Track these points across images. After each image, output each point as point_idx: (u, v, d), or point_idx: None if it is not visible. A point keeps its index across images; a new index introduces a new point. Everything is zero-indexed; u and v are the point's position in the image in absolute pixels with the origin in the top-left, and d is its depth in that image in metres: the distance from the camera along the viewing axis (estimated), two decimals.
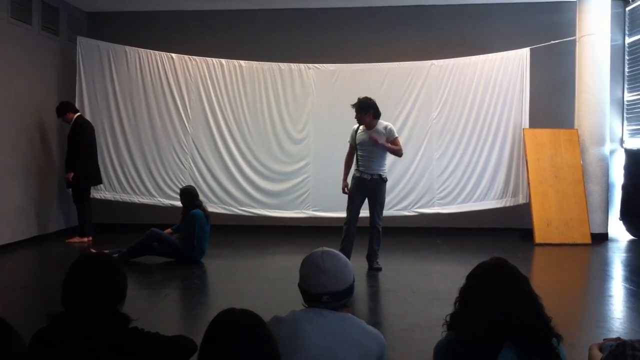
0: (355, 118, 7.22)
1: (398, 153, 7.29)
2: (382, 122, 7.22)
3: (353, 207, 7.29)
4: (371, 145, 7.07)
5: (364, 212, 7.38)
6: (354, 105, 7.19)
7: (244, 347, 1.87)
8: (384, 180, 7.20)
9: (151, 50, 9.94)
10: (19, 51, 8.88)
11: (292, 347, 2.34)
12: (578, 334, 4.73)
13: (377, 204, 7.21)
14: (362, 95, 9.56)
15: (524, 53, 9.62)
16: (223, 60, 9.92)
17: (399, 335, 4.63)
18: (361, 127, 7.23)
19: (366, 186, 7.16)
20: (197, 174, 9.89)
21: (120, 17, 10.72)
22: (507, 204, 9.68)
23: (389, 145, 7.08)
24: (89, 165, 9.12)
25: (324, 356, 2.36)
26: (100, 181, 9.48)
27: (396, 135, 7.24)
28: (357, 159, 7.25)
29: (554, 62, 9.97)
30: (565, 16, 9.97)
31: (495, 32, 10.22)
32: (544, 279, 7.20)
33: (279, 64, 9.88)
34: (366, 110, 7.12)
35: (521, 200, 9.61)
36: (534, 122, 9.64)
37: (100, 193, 9.74)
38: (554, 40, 9.63)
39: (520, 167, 9.63)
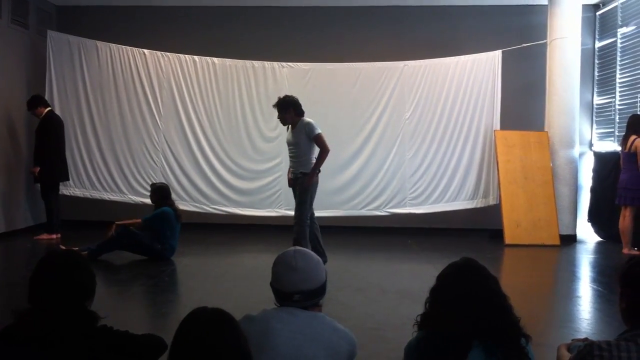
0: (278, 118, 7.23)
1: (324, 155, 7.00)
2: (304, 120, 7.09)
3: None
4: (294, 144, 7.06)
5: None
6: (274, 106, 7.18)
7: (215, 345, 1.87)
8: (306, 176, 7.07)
9: (123, 46, 9.83)
10: None
11: (263, 345, 2.34)
12: (546, 334, 4.78)
13: (298, 202, 7.06)
14: (333, 94, 9.60)
15: (496, 55, 9.71)
16: (196, 57, 9.85)
17: (369, 333, 4.64)
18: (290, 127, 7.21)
19: (294, 184, 7.16)
20: (168, 171, 9.80)
21: (91, 12, 10.57)
22: (478, 205, 9.76)
23: (312, 176, 6.94)
24: (57, 161, 8.99)
25: (295, 355, 2.36)
26: (67, 177, 9.34)
27: (317, 131, 6.94)
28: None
29: (525, 65, 10.08)
30: (536, 19, 10.09)
31: (467, 34, 10.29)
32: (513, 279, 7.28)
33: (253, 61, 9.84)
34: (285, 108, 7.08)
35: (492, 201, 9.69)
36: (505, 124, 9.74)
37: (69, 189, 9.60)
38: (525, 43, 9.74)
39: (491, 168, 9.71)
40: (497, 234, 9.25)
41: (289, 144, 7.17)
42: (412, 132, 9.80)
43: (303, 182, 6.97)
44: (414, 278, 6.81)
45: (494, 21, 10.31)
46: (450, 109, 9.77)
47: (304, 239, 6.88)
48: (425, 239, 9.42)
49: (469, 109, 9.77)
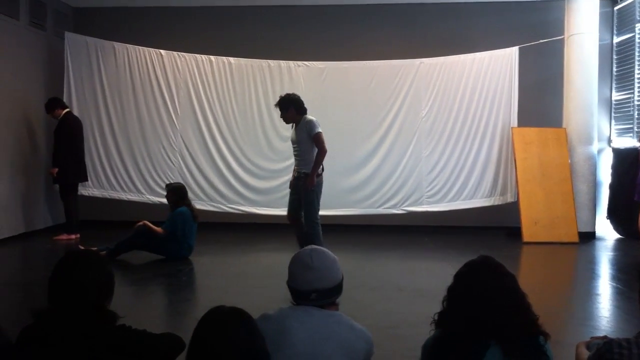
0: (281, 117, 7.18)
1: (321, 156, 6.90)
2: (306, 117, 6.99)
3: (288, 203, 7.26)
4: (297, 142, 7.01)
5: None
6: (276, 105, 7.13)
7: (233, 343, 1.87)
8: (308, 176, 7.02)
9: (139, 47, 9.89)
10: (6, 46, 8.82)
11: (280, 344, 2.34)
12: (565, 332, 4.75)
13: (304, 203, 7.02)
14: (349, 93, 9.57)
15: (513, 52, 9.65)
16: (212, 57, 9.88)
17: (385, 332, 4.64)
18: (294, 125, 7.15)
19: (298, 184, 7.09)
20: (185, 171, 9.85)
21: (108, 13, 10.64)
22: (495, 203, 9.70)
23: (313, 177, 6.87)
24: (75, 161, 9.07)
25: (311, 354, 2.36)
26: (85, 178, 9.42)
27: (317, 130, 6.84)
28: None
29: (542, 61, 10.00)
30: (553, 15, 10.00)
31: (483, 30, 10.23)
32: (531, 277, 7.23)
33: (268, 61, 9.85)
34: (286, 107, 7.01)
35: (509, 198, 9.63)
36: (522, 121, 9.68)
37: (87, 190, 9.68)
38: (542, 39, 9.66)
39: (509, 165, 9.66)
40: (514, 232, 9.20)
41: (293, 142, 7.14)
42: (428, 129, 9.76)
43: (305, 183, 6.93)
44: (431, 276, 6.79)
45: (510, 17, 10.23)
46: (467, 106, 9.72)
47: (318, 239, 6.82)
48: (442, 237, 9.39)
49: (485, 106, 9.72)
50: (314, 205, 6.98)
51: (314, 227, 6.95)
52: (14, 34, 9.02)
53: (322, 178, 7.04)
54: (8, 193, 8.90)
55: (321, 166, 6.95)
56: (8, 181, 8.90)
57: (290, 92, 7.37)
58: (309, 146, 6.91)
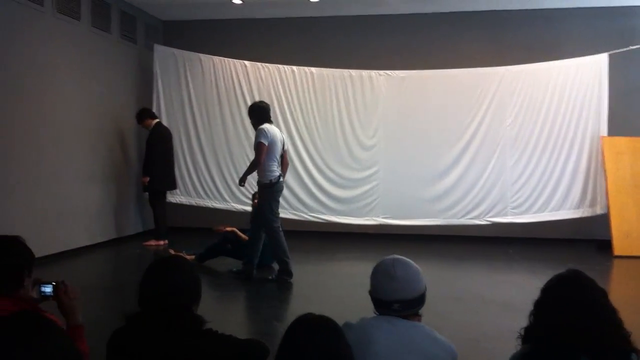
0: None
1: (252, 165, 7.01)
2: (261, 127, 6.96)
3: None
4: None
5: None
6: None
7: (322, 351, 1.87)
8: (261, 186, 7.03)
9: (225, 58, 10.14)
10: (99, 59, 9.20)
11: (362, 354, 2.33)
12: None
13: (258, 213, 7.15)
14: (430, 102, 9.53)
15: (602, 59, 9.31)
16: (294, 68, 10.02)
17: (469, 345, 4.56)
18: None
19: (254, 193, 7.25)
20: None
21: (195, 25, 10.98)
22: (584, 214, 9.36)
23: (243, 177, 7.05)
24: (164, 170, 9.37)
25: None
26: (175, 186, 9.73)
27: (259, 140, 6.85)
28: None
29: (632, 68, 9.61)
30: None
31: (569, 37, 9.93)
32: (622, 292, 6.94)
33: (350, 70, 9.90)
34: (249, 115, 7.23)
35: (599, 210, 9.28)
36: (613, 130, 9.32)
37: (175, 197, 9.99)
38: (630, 45, 9.27)
39: (598, 176, 9.31)
40: (605, 245, 8.87)
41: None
42: (513, 139, 9.54)
43: (259, 192, 7.07)
44: (517, 289, 6.62)
45: (597, 23, 9.88)
46: (554, 114, 9.44)
47: (279, 248, 6.97)
48: (528, 248, 9.15)
49: (573, 115, 9.41)
50: (266, 214, 6.98)
51: (272, 235, 7.01)
52: (106, 47, 9.42)
53: (279, 186, 7.02)
54: (101, 201, 9.28)
55: (277, 175, 6.94)
56: (101, 189, 9.29)
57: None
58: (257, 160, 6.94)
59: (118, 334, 2.48)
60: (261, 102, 7.50)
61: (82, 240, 8.76)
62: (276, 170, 6.93)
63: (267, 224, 7.02)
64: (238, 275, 7.13)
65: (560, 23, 10.03)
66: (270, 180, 6.89)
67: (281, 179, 7.02)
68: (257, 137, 6.90)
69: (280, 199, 9.80)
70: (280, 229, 7.09)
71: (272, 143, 6.86)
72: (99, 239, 9.17)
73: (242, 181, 7.18)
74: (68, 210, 8.39)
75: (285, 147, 7.26)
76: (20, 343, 1.45)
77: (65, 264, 7.84)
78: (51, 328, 1.53)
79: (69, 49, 8.39)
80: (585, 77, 9.39)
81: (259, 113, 7.09)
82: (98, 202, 9.21)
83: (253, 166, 7.00)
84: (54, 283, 2.65)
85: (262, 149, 6.81)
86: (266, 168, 6.89)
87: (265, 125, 6.94)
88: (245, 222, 8.17)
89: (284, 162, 7.22)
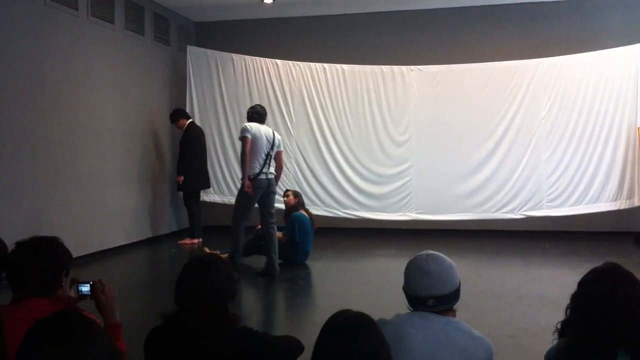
0: None
1: (241, 161, 7.15)
2: (245, 123, 7.27)
3: None
4: None
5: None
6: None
7: (360, 348, 1.86)
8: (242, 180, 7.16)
9: (256, 57, 10.19)
10: (133, 60, 9.33)
11: (397, 350, 2.32)
12: None
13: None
14: (463, 96, 9.51)
15: (637, 49, 9.11)
16: (325, 65, 10.02)
17: (505, 341, 4.52)
18: None
19: None
20: (300, 177, 10.04)
21: (226, 26, 11.05)
22: (622, 207, 9.19)
23: (244, 180, 7.07)
24: (198, 169, 9.46)
25: None
26: (208, 185, 9.82)
27: (241, 134, 7.10)
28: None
29: None
30: None
31: (604, 28, 9.75)
32: None
33: (381, 66, 9.86)
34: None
35: (637, 202, 9.10)
36: None
37: (209, 196, 10.07)
38: None
39: (636, 167, 9.13)
40: None
41: None
42: (548, 132, 9.41)
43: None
44: (553, 284, 6.54)
45: (632, 14, 9.68)
46: (589, 106, 9.29)
47: (235, 242, 7.13)
48: (563, 242, 9.02)
49: (609, 106, 9.25)
50: (236, 207, 7.23)
51: (234, 228, 7.14)
52: (140, 49, 9.54)
53: (257, 183, 7.04)
54: (137, 200, 9.41)
55: (256, 172, 7.01)
56: (137, 189, 9.42)
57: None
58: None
59: (155, 332, 2.51)
60: (255, 106, 7.58)
61: (119, 239, 8.88)
62: (256, 166, 7.03)
63: (234, 216, 7.22)
64: (266, 274, 7.15)
65: (594, 14, 9.85)
66: (249, 176, 6.99)
67: (261, 176, 7.06)
68: (240, 132, 7.17)
69: (313, 196, 9.91)
70: (244, 225, 7.22)
71: (254, 139, 7.01)
72: (135, 238, 9.29)
73: (243, 179, 7.18)
74: (104, 210, 8.53)
75: (280, 148, 7.36)
76: (62, 342, 1.48)
77: (102, 264, 7.97)
78: (92, 327, 1.55)
79: (103, 52, 8.52)
80: (620, 68, 9.21)
81: (249, 116, 7.31)
82: (134, 201, 9.33)
83: (242, 161, 7.13)
84: (91, 282, 2.69)
85: (245, 142, 7.00)
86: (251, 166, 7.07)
87: (249, 123, 7.16)
88: (278, 219, 8.20)
89: (277, 164, 7.34)
